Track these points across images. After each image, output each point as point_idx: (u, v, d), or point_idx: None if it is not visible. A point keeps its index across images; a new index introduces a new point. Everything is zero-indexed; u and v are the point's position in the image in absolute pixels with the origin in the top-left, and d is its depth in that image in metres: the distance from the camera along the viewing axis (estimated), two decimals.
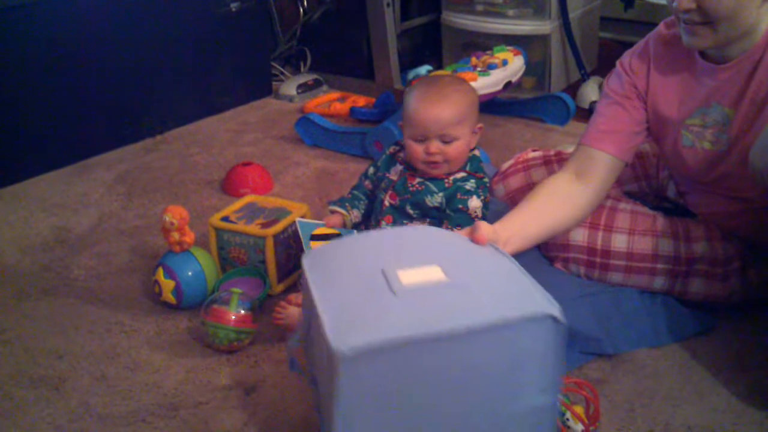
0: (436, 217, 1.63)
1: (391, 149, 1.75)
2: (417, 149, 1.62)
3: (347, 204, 1.73)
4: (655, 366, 1.48)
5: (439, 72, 2.34)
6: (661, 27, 1.58)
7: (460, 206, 1.61)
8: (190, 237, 1.67)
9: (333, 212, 1.72)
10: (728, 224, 1.59)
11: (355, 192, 1.77)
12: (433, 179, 1.63)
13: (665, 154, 1.64)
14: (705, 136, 1.52)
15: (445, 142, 1.60)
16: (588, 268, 1.61)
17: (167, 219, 1.64)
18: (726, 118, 1.48)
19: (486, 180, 1.66)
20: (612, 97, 1.60)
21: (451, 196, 1.62)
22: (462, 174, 1.64)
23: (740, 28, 1.38)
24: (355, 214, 1.73)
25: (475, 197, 1.61)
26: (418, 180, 1.65)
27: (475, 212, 1.61)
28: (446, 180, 1.63)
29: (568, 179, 1.57)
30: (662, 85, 1.56)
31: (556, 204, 1.55)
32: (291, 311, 1.56)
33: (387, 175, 1.70)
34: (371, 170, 1.77)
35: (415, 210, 1.64)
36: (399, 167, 1.69)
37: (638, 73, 1.58)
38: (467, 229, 1.32)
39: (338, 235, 1.65)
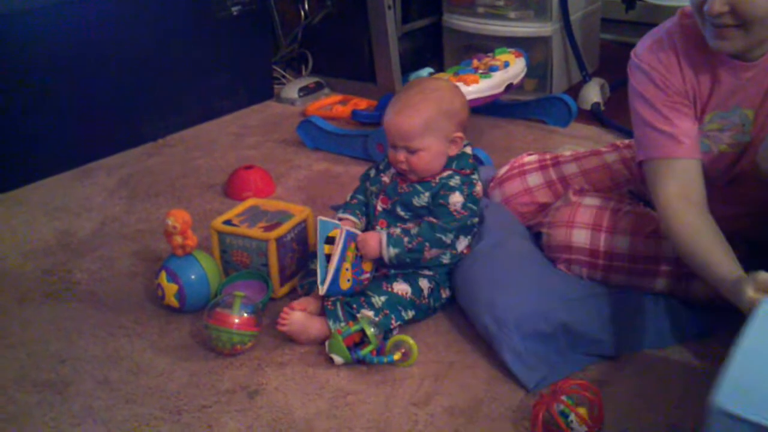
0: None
1: None
2: (390, 155, 1.65)
3: (357, 211, 1.72)
4: (659, 368, 1.48)
5: (439, 75, 2.34)
6: (678, 17, 1.50)
7: (441, 201, 1.61)
8: (192, 240, 1.67)
9: (342, 219, 1.70)
10: (730, 227, 1.58)
11: (359, 196, 1.75)
12: (421, 181, 1.64)
13: None
14: (722, 140, 1.50)
15: (411, 152, 1.60)
16: (590, 270, 1.60)
17: (170, 223, 1.64)
18: (746, 119, 1.46)
19: (474, 176, 1.66)
20: (662, 99, 1.48)
21: (435, 193, 1.62)
22: (448, 172, 1.64)
23: None
24: (364, 222, 1.72)
25: (457, 193, 1.61)
26: (407, 183, 1.65)
27: (454, 206, 1.61)
28: (433, 180, 1.64)
29: (694, 211, 1.43)
30: (698, 82, 1.48)
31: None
32: (295, 317, 1.55)
33: (381, 176, 1.71)
34: (372, 172, 1.77)
35: (406, 212, 1.65)
36: (392, 170, 1.70)
37: (672, 70, 1.48)
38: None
39: None
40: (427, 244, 1.59)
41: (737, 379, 1.02)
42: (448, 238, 1.61)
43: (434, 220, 1.60)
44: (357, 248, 1.59)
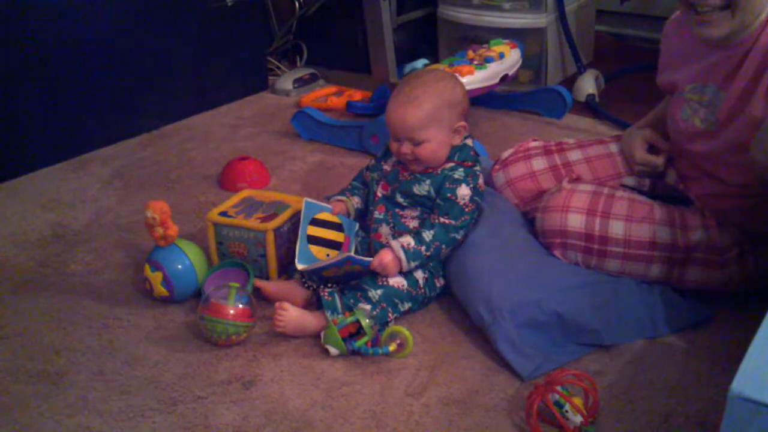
0: (427, 207, 1.64)
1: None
2: (393, 146, 1.65)
3: (347, 192, 1.76)
4: (654, 357, 1.49)
5: (434, 66, 2.34)
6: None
7: (449, 195, 1.62)
8: (173, 230, 1.66)
9: (332, 201, 1.74)
10: (724, 207, 1.60)
11: (354, 183, 1.80)
12: (423, 172, 1.64)
13: (669, 118, 1.70)
14: (698, 114, 1.58)
15: (415, 144, 1.60)
16: (585, 255, 1.61)
17: (149, 215, 1.64)
18: (718, 99, 1.53)
19: (477, 168, 1.66)
20: None
21: (440, 185, 1.63)
22: (450, 164, 1.64)
23: (755, 14, 1.43)
24: (356, 200, 1.75)
25: (464, 185, 1.62)
26: (409, 171, 1.66)
27: (464, 200, 1.62)
28: (435, 170, 1.64)
29: None
30: (669, 42, 1.68)
31: None
32: (290, 316, 1.55)
33: (382, 164, 1.72)
34: (372, 162, 1.78)
35: (405, 199, 1.65)
36: (393, 159, 1.70)
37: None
38: None
39: (338, 224, 1.67)
40: (443, 247, 1.60)
41: (755, 364, 1.02)
42: (460, 236, 1.62)
43: (447, 221, 1.60)
44: (352, 268, 1.59)
